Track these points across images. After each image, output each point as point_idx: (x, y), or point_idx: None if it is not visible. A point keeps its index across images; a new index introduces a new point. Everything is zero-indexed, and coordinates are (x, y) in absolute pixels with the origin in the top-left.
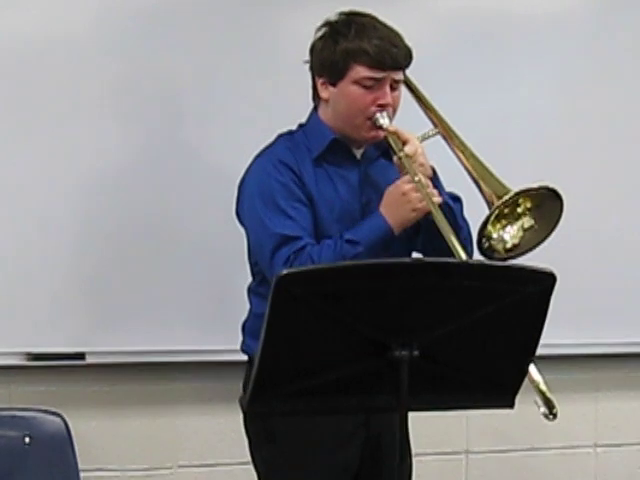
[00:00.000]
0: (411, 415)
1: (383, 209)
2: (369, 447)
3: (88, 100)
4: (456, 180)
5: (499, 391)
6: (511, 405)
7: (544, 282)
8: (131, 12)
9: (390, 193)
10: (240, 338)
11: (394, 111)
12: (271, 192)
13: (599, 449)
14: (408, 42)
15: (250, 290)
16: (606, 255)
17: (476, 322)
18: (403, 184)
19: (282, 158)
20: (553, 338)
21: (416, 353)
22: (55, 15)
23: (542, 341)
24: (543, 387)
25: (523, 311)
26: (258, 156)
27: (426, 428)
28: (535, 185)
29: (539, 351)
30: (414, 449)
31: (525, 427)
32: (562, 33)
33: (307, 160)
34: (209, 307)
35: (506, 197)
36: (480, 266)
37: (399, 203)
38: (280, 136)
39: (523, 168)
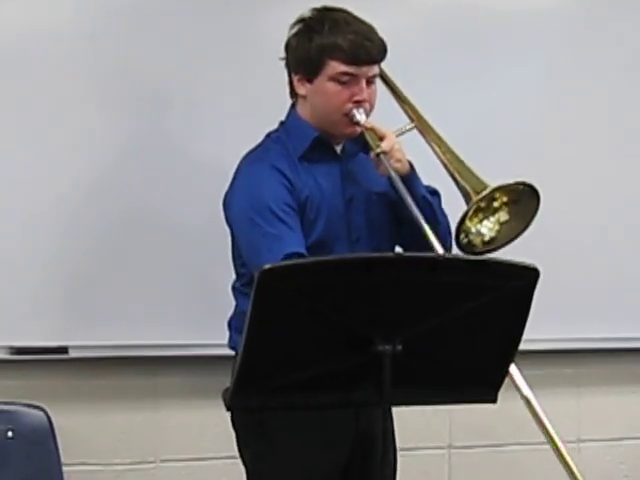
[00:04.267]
0: (394, 410)
1: None
2: (358, 441)
3: (72, 94)
4: (434, 173)
5: (482, 386)
6: (494, 400)
7: (527, 277)
8: (115, 5)
9: None
10: (227, 334)
11: (371, 106)
12: (263, 197)
13: (582, 444)
14: (384, 36)
15: (236, 289)
16: (589, 250)
17: (459, 317)
18: None
19: (275, 164)
20: (536, 333)
21: (399, 348)
22: (39, 6)
23: (525, 336)
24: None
25: (506, 306)
26: (250, 161)
27: (409, 423)
28: (512, 181)
29: (522, 346)
30: (397, 444)
31: (508, 422)
32: (546, 28)
33: (295, 161)
34: (193, 301)
35: (484, 193)
36: (464, 261)
37: None
38: (267, 136)
39: (507, 163)
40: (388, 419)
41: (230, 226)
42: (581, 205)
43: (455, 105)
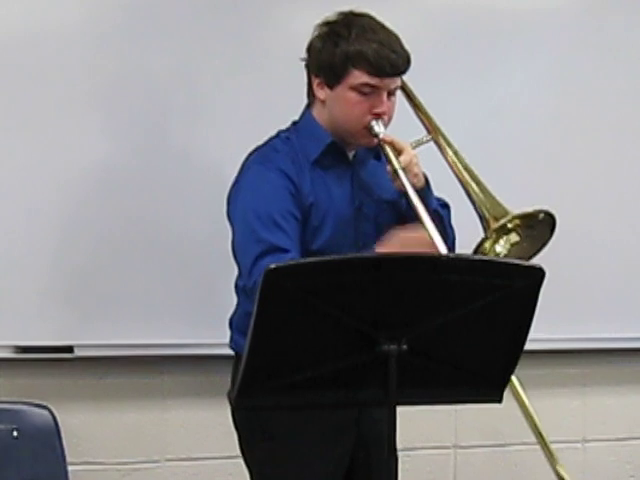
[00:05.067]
0: (400, 409)
1: (380, 248)
2: (360, 443)
3: (75, 96)
4: (447, 184)
5: (487, 386)
6: (499, 400)
7: (533, 277)
8: (119, 8)
9: (394, 235)
10: (228, 334)
11: (389, 118)
12: (266, 201)
13: (587, 444)
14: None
15: (238, 286)
16: (594, 250)
17: (465, 316)
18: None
19: (283, 167)
20: (541, 333)
21: (404, 347)
22: (43, 11)
23: (530, 336)
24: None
25: (512, 306)
26: (257, 160)
27: (415, 422)
28: (533, 209)
29: (527, 346)
30: (403, 444)
31: (513, 422)
32: (552, 29)
33: (305, 165)
34: (198, 300)
35: (503, 221)
36: (469, 260)
37: (398, 248)
38: (276, 136)
39: (511, 164)
40: (390, 423)
41: (230, 222)
42: (587, 205)
43: (459, 105)
